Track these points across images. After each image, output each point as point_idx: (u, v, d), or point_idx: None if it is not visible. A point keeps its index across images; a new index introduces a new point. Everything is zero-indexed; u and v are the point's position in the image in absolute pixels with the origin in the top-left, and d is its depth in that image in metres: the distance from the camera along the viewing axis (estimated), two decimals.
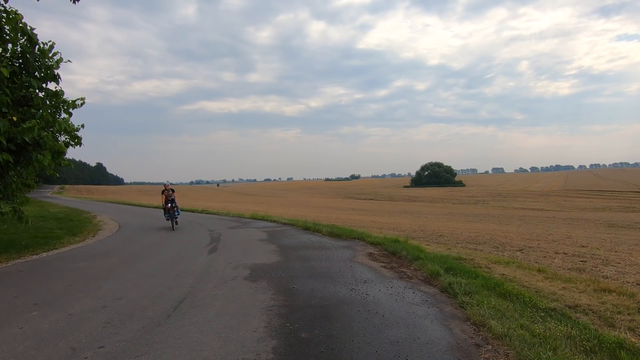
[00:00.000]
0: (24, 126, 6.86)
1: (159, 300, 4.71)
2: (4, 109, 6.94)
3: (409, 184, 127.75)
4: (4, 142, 6.62)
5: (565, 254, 8.09)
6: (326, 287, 5.22)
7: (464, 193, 76.58)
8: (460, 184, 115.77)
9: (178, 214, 13.07)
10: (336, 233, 10.53)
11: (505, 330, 3.46)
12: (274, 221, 14.98)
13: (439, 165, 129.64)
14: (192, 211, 22.32)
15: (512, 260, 7.10)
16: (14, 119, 6.93)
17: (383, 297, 4.74)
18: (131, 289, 5.29)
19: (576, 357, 2.99)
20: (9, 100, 7.00)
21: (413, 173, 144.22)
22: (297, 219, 15.03)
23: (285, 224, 13.95)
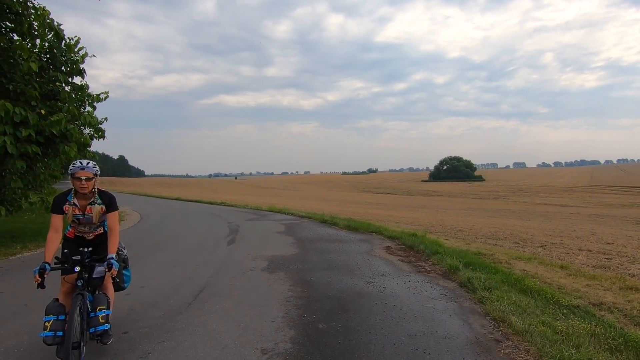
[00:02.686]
0: (52, 119, 7.10)
1: (180, 289, 4.83)
2: (33, 103, 7.20)
3: (427, 179, 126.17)
4: (34, 135, 6.86)
5: (590, 251, 7.86)
6: (343, 279, 5.24)
7: (483, 188, 75.10)
8: (480, 178, 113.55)
9: (125, 283, 3.46)
10: (353, 226, 10.52)
11: (526, 326, 3.40)
12: (291, 214, 15.09)
13: (458, 159, 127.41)
14: (211, 203, 22.72)
15: (534, 256, 6.94)
16: (43, 112, 7.17)
17: (401, 290, 4.72)
18: (153, 278, 5.44)
19: (600, 355, 2.91)
20: (37, 94, 7.25)
21: (431, 167, 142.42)
22: (314, 212, 15.10)
23: (302, 217, 14.03)
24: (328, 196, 51.16)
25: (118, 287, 3.36)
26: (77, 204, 2.97)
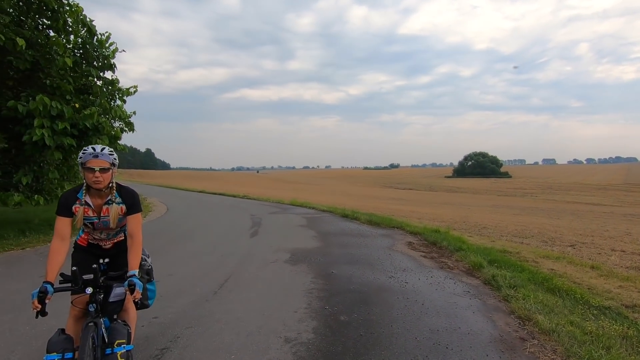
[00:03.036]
0: (85, 113, 7.40)
1: (205, 278, 4.98)
2: (67, 97, 7.52)
3: (450, 174, 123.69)
4: (69, 128, 7.18)
5: (624, 251, 7.54)
6: (365, 273, 5.26)
7: (510, 185, 72.97)
8: (506, 175, 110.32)
9: (149, 300, 2.77)
10: (375, 221, 10.49)
11: (554, 325, 3.32)
12: (313, 208, 15.17)
13: (483, 155, 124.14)
14: (234, 196, 23.13)
15: (563, 255, 6.73)
16: (77, 106, 7.49)
17: (423, 286, 4.70)
18: (180, 266, 5.63)
19: (632, 358, 2.81)
20: (72, 89, 7.57)
21: (455, 163, 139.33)
22: (335, 207, 15.13)
23: (323, 211, 14.09)
24: (349, 191, 51.05)
25: (142, 306, 2.66)
26: (90, 204, 2.27)
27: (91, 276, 2.08)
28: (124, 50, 9.04)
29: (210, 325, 3.42)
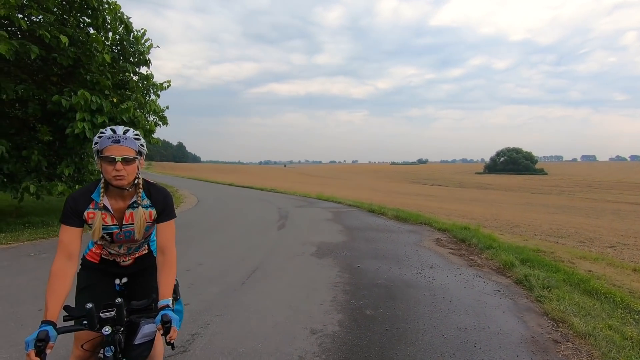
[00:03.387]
0: (122, 107, 7.72)
1: (234, 269, 5.11)
2: (106, 92, 7.87)
3: (481, 171, 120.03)
4: (107, 121, 7.52)
5: None
6: (391, 268, 5.22)
7: (545, 182, 69.94)
8: (541, 172, 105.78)
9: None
10: (402, 217, 10.37)
11: (590, 329, 3.18)
12: (339, 202, 15.18)
13: (517, 151, 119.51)
14: (262, 190, 23.49)
15: (602, 256, 6.41)
16: (115, 100, 7.82)
17: (451, 283, 4.62)
18: (210, 256, 5.80)
19: None
20: (110, 84, 7.91)
21: (487, 159, 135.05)
22: (362, 202, 15.06)
23: (350, 205, 14.07)
24: (376, 186, 50.63)
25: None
26: (109, 208, 1.69)
27: (112, 313, 1.48)
28: (158, 47, 9.34)
29: (239, 314, 3.52)
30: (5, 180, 7.32)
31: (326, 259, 5.73)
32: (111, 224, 1.71)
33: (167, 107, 10.24)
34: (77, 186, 8.23)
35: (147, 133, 9.23)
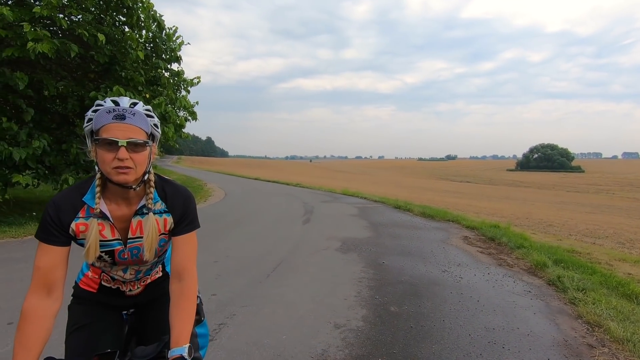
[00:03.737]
0: (154, 102, 7.98)
1: (259, 261, 5.20)
2: (140, 88, 8.16)
3: (513, 168, 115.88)
4: None
5: None
6: (417, 266, 5.15)
7: (582, 180, 66.67)
8: (578, 169, 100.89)
9: (200, 351, 1.41)
10: (429, 214, 10.20)
11: (628, 334, 3.02)
12: (365, 198, 15.10)
13: (552, 147, 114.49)
14: (287, 184, 23.70)
15: None
16: (147, 96, 8.10)
17: (479, 282, 4.50)
18: (237, 249, 5.92)
19: None
20: (143, 80, 8.19)
21: (519, 155, 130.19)
22: (387, 197, 14.92)
23: (375, 201, 13.96)
24: (402, 182, 49.96)
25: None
26: (108, 215, 1.20)
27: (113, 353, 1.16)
28: (188, 43, 9.56)
29: (264, 306, 3.58)
30: (47, 172, 7.74)
31: (351, 254, 5.72)
32: (111, 238, 1.20)
33: (197, 103, 10.49)
34: None
35: (178, 128, 9.51)
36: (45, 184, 8.11)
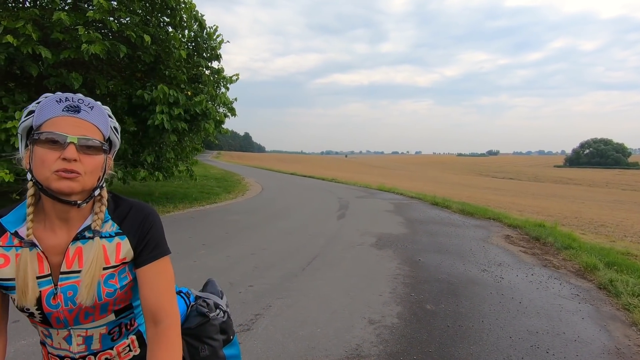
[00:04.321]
0: (196, 100, 8.29)
1: (295, 255, 5.28)
2: (182, 86, 8.50)
3: (561, 164, 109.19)
4: (182, 113, 8.14)
5: None
6: (455, 264, 5.01)
7: None
8: (635, 166, 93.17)
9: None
10: (468, 211, 9.86)
11: None
12: (401, 194, 14.86)
13: (605, 142, 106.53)
14: (323, 179, 23.81)
15: None
16: (189, 93, 8.43)
17: (521, 283, 4.31)
18: (273, 242, 6.05)
19: None
20: (185, 78, 8.52)
21: (568, 151, 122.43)
22: (425, 194, 14.59)
23: (412, 197, 13.70)
24: (440, 178, 48.60)
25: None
26: (36, 243, 0.83)
27: None
28: (228, 42, 9.82)
29: (299, 299, 3.64)
30: None
31: (386, 251, 5.67)
32: (39, 274, 0.85)
33: (236, 99, 10.77)
34: (156, 173, 9.04)
35: (218, 124, 9.82)
36: None
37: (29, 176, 0.82)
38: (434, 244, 6.20)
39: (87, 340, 0.91)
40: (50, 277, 0.85)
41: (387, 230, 7.31)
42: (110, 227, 0.90)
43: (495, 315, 3.38)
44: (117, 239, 0.90)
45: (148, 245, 0.92)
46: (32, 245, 0.83)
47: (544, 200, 21.13)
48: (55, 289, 0.85)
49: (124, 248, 0.90)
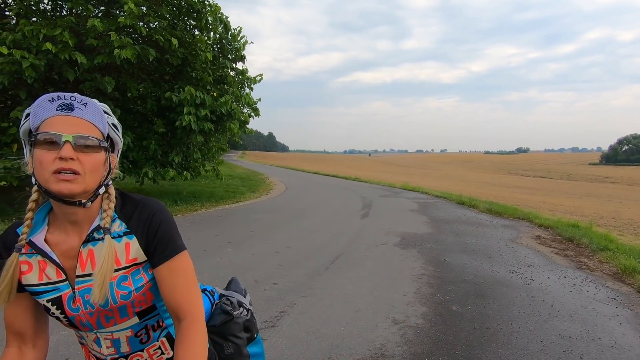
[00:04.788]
0: (221, 100, 8.47)
1: (318, 253, 5.30)
2: (208, 87, 8.70)
3: (597, 161, 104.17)
4: (209, 114, 8.32)
5: None
6: (482, 264, 4.89)
7: None
8: None
9: None
10: (496, 210, 9.58)
11: None
12: (426, 193, 14.62)
13: None
14: (346, 178, 23.77)
15: None
16: (215, 94, 8.61)
17: (553, 285, 4.15)
18: (296, 240, 6.10)
19: None
20: (211, 80, 8.71)
21: (605, 147, 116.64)
22: (450, 193, 14.30)
23: (437, 196, 13.46)
24: (467, 177, 47.43)
25: None
26: (45, 250, 0.85)
27: None
28: (252, 42, 9.97)
29: (322, 297, 3.66)
30: (130, 166, 8.60)
31: (410, 250, 5.60)
32: (56, 279, 0.87)
33: (260, 99, 10.91)
34: (184, 172, 9.30)
35: (242, 124, 9.98)
36: (129, 177, 9.03)
37: (33, 180, 0.82)
38: (459, 244, 6.07)
39: (115, 343, 0.92)
40: (68, 282, 0.87)
41: (411, 229, 7.22)
42: (119, 226, 0.89)
43: (525, 318, 3.28)
44: (125, 239, 0.88)
45: (159, 244, 0.89)
46: (42, 253, 0.85)
47: (577, 199, 20.24)
48: (74, 292, 0.87)
49: (133, 247, 0.88)
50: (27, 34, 6.03)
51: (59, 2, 7.34)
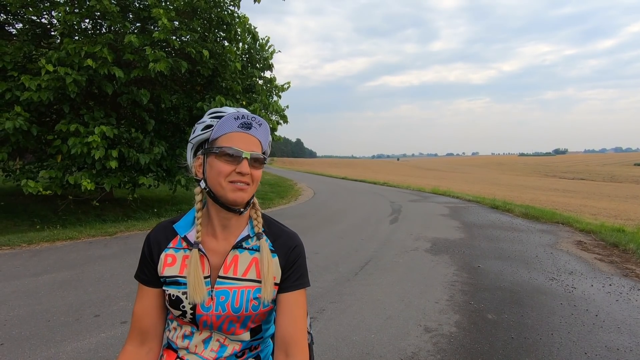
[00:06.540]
0: (250, 109, 8.65)
1: (347, 259, 5.27)
2: (237, 96, 8.92)
3: None
4: None
5: None
6: (518, 271, 4.70)
7: None
8: None
9: None
10: (532, 214, 9.19)
11: None
12: (457, 197, 14.25)
13: None
14: (374, 183, 23.55)
15: None
16: (244, 103, 8.82)
17: (597, 294, 3.92)
18: (325, 246, 6.10)
19: None
20: (240, 89, 8.93)
21: None
22: (483, 197, 13.86)
23: (469, 200, 13.08)
24: (500, 180, 45.76)
25: None
26: (201, 247, 0.93)
27: None
28: (279, 51, 10.15)
29: (352, 303, 3.63)
30: (164, 174, 8.94)
31: (442, 256, 5.46)
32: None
33: (287, 107, 11.07)
34: None
35: (271, 131, 10.14)
36: (163, 184, 9.38)
37: (202, 184, 0.93)
38: (494, 249, 5.86)
39: (221, 349, 0.95)
40: (209, 279, 0.93)
41: (442, 234, 7.05)
42: (266, 242, 0.97)
43: (567, 328, 3.11)
44: (275, 257, 0.97)
45: (295, 272, 0.97)
46: (197, 248, 0.92)
47: (622, 202, 19.05)
48: (211, 291, 0.92)
49: (275, 265, 0.95)
50: (70, 51, 6.43)
51: (98, 21, 7.79)
